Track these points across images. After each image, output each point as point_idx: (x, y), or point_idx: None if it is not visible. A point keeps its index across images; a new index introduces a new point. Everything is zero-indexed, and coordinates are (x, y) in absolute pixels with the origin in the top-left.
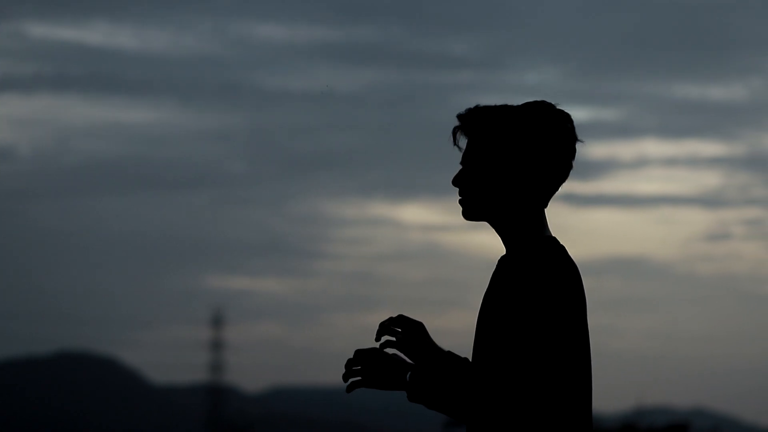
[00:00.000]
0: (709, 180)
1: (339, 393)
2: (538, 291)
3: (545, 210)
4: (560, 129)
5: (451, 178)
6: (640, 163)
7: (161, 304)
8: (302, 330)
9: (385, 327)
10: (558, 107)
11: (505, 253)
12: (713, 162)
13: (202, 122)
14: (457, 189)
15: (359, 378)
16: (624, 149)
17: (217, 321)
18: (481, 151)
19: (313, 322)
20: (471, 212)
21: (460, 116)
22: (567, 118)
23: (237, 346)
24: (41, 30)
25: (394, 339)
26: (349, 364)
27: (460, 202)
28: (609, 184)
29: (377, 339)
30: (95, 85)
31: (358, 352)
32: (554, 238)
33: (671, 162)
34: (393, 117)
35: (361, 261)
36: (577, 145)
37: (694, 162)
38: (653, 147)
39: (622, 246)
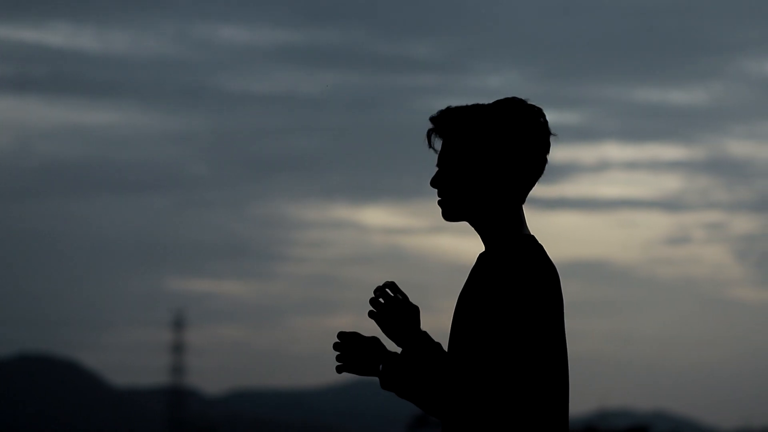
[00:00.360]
0: (669, 184)
1: (300, 395)
2: (514, 289)
3: (523, 207)
4: (533, 124)
5: (428, 180)
6: (602, 167)
7: (122, 307)
8: (263, 332)
9: (380, 290)
10: (529, 102)
11: (483, 250)
12: (674, 166)
13: (164, 124)
14: (436, 191)
15: (342, 363)
16: (585, 153)
17: (179, 323)
18: (456, 152)
19: (274, 324)
20: (451, 213)
21: (432, 118)
22: (539, 112)
23: (198, 349)
24: (1, 31)
25: (376, 310)
26: (335, 347)
27: (440, 203)
28: (570, 188)
29: (372, 302)
30: (57, 87)
31: (340, 335)
32: (532, 237)
33: (632, 166)
34: (355, 120)
35: (322, 264)
36: (551, 139)
37: (654, 166)
38: (615, 151)
39: (583, 249)
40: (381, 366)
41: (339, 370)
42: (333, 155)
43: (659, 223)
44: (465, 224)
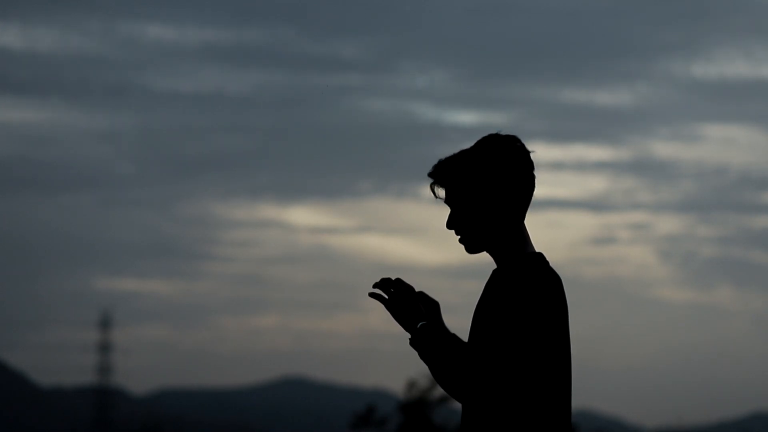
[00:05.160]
0: (595, 184)
1: (226, 395)
2: (522, 300)
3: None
4: (512, 151)
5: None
6: None
7: (48, 306)
8: (190, 332)
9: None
10: (503, 134)
11: (495, 267)
12: (599, 166)
13: (90, 123)
14: (453, 231)
15: (386, 297)
16: None
17: (105, 323)
18: (458, 195)
19: (201, 324)
20: (473, 247)
21: (430, 174)
22: (515, 139)
23: (125, 348)
24: None
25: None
26: (386, 283)
27: (460, 241)
28: None
29: (383, 288)
30: None
31: (398, 281)
32: (539, 254)
33: (558, 166)
34: (282, 119)
35: (249, 263)
36: (531, 156)
37: (580, 166)
38: (541, 151)
39: None
40: (420, 324)
41: (373, 295)
42: (260, 154)
43: (585, 223)
44: (393, 224)
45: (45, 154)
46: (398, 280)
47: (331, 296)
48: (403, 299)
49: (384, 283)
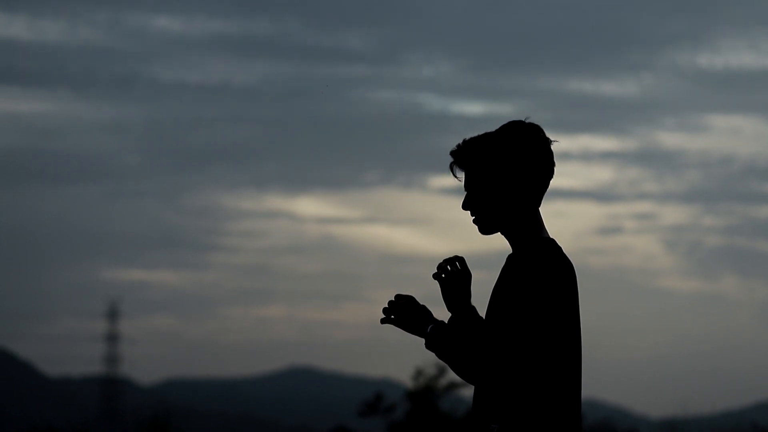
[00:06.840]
0: (601, 174)
1: (233, 385)
2: (536, 284)
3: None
4: (536, 140)
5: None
6: None
7: (56, 297)
8: (197, 322)
9: (444, 265)
10: (527, 121)
11: (511, 251)
12: (605, 157)
13: (97, 114)
14: (468, 212)
15: (393, 317)
16: None
17: (113, 313)
18: (478, 177)
19: (208, 314)
20: (486, 229)
21: (452, 152)
22: (538, 128)
23: (132, 338)
24: None
25: (443, 276)
26: (390, 304)
27: (474, 221)
28: None
29: (436, 275)
30: None
31: (398, 297)
32: (552, 240)
33: (564, 156)
34: (288, 110)
35: (256, 254)
36: (552, 146)
37: (586, 157)
38: None
39: None
40: (430, 327)
41: (384, 321)
42: (266, 145)
43: (591, 213)
44: (399, 215)
45: (52, 146)
46: (397, 296)
47: (337, 286)
48: (405, 314)
49: (390, 306)
